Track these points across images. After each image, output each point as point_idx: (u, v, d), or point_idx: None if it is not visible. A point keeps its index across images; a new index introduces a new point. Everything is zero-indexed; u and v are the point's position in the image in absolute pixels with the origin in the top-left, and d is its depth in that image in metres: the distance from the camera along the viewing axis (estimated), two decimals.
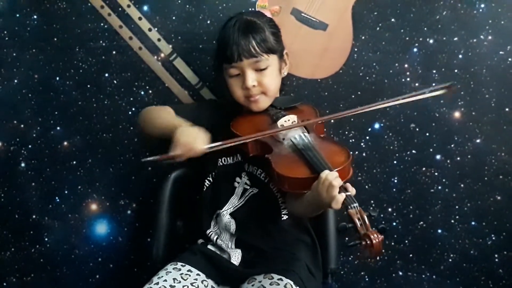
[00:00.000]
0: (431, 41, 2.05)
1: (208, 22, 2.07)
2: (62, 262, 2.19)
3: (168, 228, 1.92)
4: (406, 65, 2.06)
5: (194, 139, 1.61)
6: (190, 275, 1.65)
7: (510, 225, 2.12)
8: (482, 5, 2.02)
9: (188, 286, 1.61)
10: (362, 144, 2.10)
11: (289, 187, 1.56)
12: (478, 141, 2.08)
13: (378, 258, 2.14)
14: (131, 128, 2.11)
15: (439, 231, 2.13)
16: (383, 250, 1.83)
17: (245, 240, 1.73)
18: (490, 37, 2.04)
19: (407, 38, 2.05)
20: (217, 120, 1.86)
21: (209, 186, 1.82)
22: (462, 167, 2.10)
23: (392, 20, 2.05)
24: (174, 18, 2.07)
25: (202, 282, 1.65)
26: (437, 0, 2.03)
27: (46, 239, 2.18)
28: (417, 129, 2.09)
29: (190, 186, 1.90)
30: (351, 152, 1.59)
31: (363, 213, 1.35)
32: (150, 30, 2.08)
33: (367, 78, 2.07)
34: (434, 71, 2.06)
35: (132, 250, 2.18)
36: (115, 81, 2.11)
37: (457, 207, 2.12)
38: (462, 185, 2.11)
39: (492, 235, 2.13)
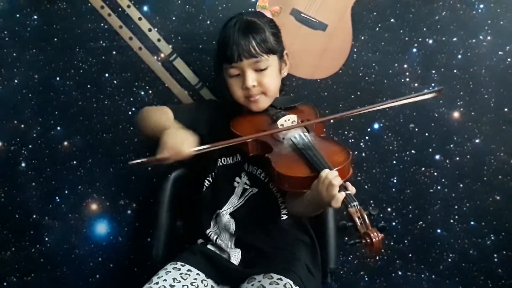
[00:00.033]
0: (430, 41, 2.06)
1: (208, 22, 2.07)
2: (62, 262, 2.19)
3: (168, 228, 1.92)
4: (405, 66, 2.07)
5: (181, 142, 1.60)
6: (190, 275, 1.65)
7: (509, 225, 2.12)
8: (481, 6, 2.03)
9: (188, 286, 1.61)
10: (361, 144, 2.10)
11: (289, 186, 1.56)
12: (477, 141, 2.09)
13: (377, 258, 2.14)
14: (131, 128, 2.12)
15: (439, 231, 2.14)
16: (383, 250, 1.85)
17: (244, 240, 1.73)
18: (489, 38, 2.04)
19: (407, 39, 2.06)
20: (216, 120, 1.86)
21: (209, 186, 1.82)
22: (461, 167, 2.10)
23: (392, 20, 2.06)
24: (174, 18, 2.08)
25: (201, 281, 1.65)
26: (436, 0, 2.04)
27: (46, 239, 2.18)
28: (417, 129, 2.10)
29: (190, 186, 1.90)
30: (350, 152, 1.59)
31: (363, 211, 1.35)
32: (150, 30, 2.08)
33: (367, 78, 2.08)
34: (434, 71, 2.06)
35: (132, 250, 2.18)
36: (115, 81, 2.11)
37: (456, 207, 2.12)
38: (461, 185, 2.11)
39: (491, 235, 2.13)
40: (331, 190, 1.40)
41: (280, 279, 1.57)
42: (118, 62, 2.10)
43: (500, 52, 2.05)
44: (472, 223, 2.13)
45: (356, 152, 2.10)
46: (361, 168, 2.11)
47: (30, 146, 2.15)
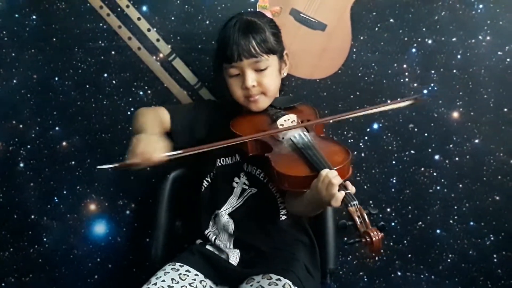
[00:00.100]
0: (429, 41, 2.06)
1: (207, 22, 2.07)
2: (61, 262, 2.19)
3: (167, 228, 1.92)
4: (404, 66, 2.07)
5: (153, 148, 1.59)
6: (188, 275, 1.64)
7: (509, 225, 2.12)
8: (481, 6, 2.03)
9: (186, 287, 1.60)
10: (361, 144, 2.10)
11: (289, 185, 1.56)
12: (476, 141, 2.09)
13: (376, 258, 2.14)
14: (130, 128, 2.10)
15: (438, 231, 2.14)
16: (382, 250, 1.85)
17: (243, 240, 1.73)
18: (488, 38, 2.04)
19: (406, 39, 2.06)
20: (216, 120, 1.86)
21: (208, 186, 1.82)
22: (460, 167, 2.10)
23: (391, 20, 2.06)
24: (173, 18, 2.08)
25: (200, 282, 1.64)
26: (435, 0, 2.04)
27: (45, 239, 2.18)
28: (416, 129, 2.09)
29: (188, 186, 1.90)
30: (350, 152, 1.59)
31: (363, 211, 1.35)
32: (149, 30, 2.08)
33: (366, 78, 2.08)
34: (433, 72, 2.07)
35: (130, 250, 2.17)
36: (114, 81, 2.11)
37: (455, 207, 2.12)
38: (460, 185, 2.11)
39: (491, 235, 2.13)
40: (330, 189, 1.40)
41: (279, 279, 1.57)
42: (117, 62, 2.10)
43: (499, 52, 2.05)
44: (471, 223, 2.13)
45: (355, 152, 2.09)
46: (361, 168, 2.11)
47: (28, 146, 2.14)
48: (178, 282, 1.60)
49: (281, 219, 1.74)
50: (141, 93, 2.11)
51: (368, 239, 1.29)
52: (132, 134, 2.07)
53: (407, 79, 2.07)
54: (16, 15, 2.09)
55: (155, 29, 2.08)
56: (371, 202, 2.11)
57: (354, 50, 2.07)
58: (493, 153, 2.09)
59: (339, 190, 1.40)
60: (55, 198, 2.16)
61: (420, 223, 2.13)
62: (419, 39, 2.05)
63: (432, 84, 2.07)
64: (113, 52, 2.09)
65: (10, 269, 2.19)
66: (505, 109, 2.07)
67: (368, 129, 2.10)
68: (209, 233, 1.77)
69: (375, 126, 2.10)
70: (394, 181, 2.12)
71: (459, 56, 2.05)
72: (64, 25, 2.09)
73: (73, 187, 2.16)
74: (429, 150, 2.10)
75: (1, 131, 2.13)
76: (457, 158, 2.10)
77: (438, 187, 2.11)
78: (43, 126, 2.13)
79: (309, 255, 1.76)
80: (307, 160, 1.54)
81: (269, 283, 1.55)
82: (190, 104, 2.05)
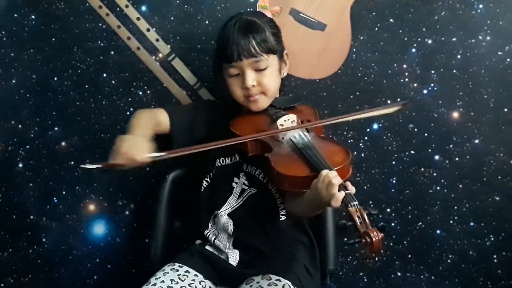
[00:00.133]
0: (429, 41, 2.05)
1: (207, 22, 2.06)
2: (60, 263, 2.18)
3: (166, 228, 1.91)
4: (404, 66, 2.06)
5: (137, 149, 1.59)
6: (187, 276, 1.64)
7: (509, 225, 2.12)
8: (481, 6, 2.03)
9: (185, 287, 1.60)
10: (360, 144, 2.10)
11: (289, 186, 1.56)
12: (476, 141, 2.09)
13: (376, 258, 2.14)
14: None
15: (438, 231, 2.13)
16: (382, 250, 1.84)
17: (243, 241, 1.73)
18: (488, 38, 2.04)
19: (406, 39, 2.06)
20: (215, 120, 1.86)
21: (207, 187, 1.82)
22: (460, 168, 2.10)
23: (391, 20, 2.05)
24: (172, 18, 2.07)
25: (199, 283, 1.64)
26: (435, 0, 2.04)
27: (44, 239, 2.17)
28: (416, 130, 2.09)
29: (188, 187, 1.90)
30: (350, 152, 1.59)
31: (363, 211, 1.35)
32: (148, 30, 2.08)
33: (366, 78, 2.07)
34: (433, 72, 2.06)
35: (130, 251, 2.17)
36: (113, 81, 2.11)
37: (455, 207, 2.12)
38: (460, 186, 2.11)
39: (491, 236, 2.13)
40: (330, 189, 1.39)
41: (279, 280, 1.57)
42: (116, 62, 2.09)
43: (499, 52, 2.05)
44: (471, 223, 2.13)
45: (355, 153, 2.09)
46: (360, 169, 2.10)
47: (27, 146, 2.14)
48: (177, 283, 1.60)
49: (280, 219, 1.74)
50: (140, 93, 2.10)
51: (368, 240, 1.29)
52: None
53: (407, 79, 2.07)
54: (15, 15, 2.09)
55: (154, 29, 2.07)
56: (371, 202, 2.11)
57: (354, 50, 2.06)
58: (493, 154, 2.09)
59: (339, 191, 1.40)
60: (54, 198, 2.16)
61: (420, 223, 2.13)
62: (419, 39, 2.05)
63: (432, 84, 2.07)
64: (112, 52, 2.09)
65: (9, 270, 2.19)
66: (505, 109, 2.07)
67: (368, 129, 2.10)
68: (208, 234, 1.77)
69: (375, 126, 2.10)
70: (394, 181, 2.12)
71: (459, 56, 2.05)
72: (63, 25, 2.08)
73: (72, 188, 2.15)
74: (429, 150, 2.10)
75: (0, 131, 2.13)
76: (457, 159, 2.10)
77: (438, 188, 2.11)
78: (42, 126, 2.13)
79: (309, 256, 1.76)
80: (307, 160, 1.53)
81: (268, 283, 1.55)
82: (189, 105, 2.04)
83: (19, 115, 2.13)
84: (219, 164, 1.81)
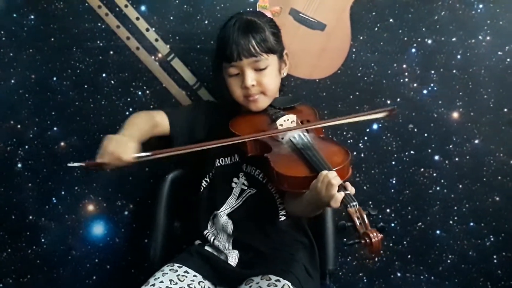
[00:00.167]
0: (429, 41, 2.05)
1: (206, 22, 2.06)
2: (59, 263, 2.18)
3: (165, 229, 1.91)
4: (404, 66, 2.06)
5: (123, 149, 1.59)
6: (187, 276, 1.64)
7: (509, 226, 2.12)
8: (481, 6, 2.03)
9: None
10: (360, 144, 2.10)
11: (288, 186, 1.55)
12: (476, 141, 2.09)
13: (376, 259, 2.14)
14: None
15: (438, 232, 2.13)
16: (382, 251, 1.84)
17: (242, 241, 1.73)
18: (488, 38, 2.04)
19: (406, 39, 2.05)
20: (215, 120, 1.86)
21: (206, 187, 1.82)
22: (460, 168, 2.10)
23: (391, 20, 2.05)
24: (171, 18, 2.07)
25: (199, 283, 1.64)
26: (435, 0, 2.03)
27: (42, 240, 2.17)
28: (416, 130, 2.09)
29: (187, 187, 1.90)
30: (349, 152, 1.58)
31: (363, 212, 1.34)
32: (147, 30, 2.07)
33: (365, 78, 2.07)
34: (433, 72, 2.06)
35: (129, 251, 2.17)
36: (112, 81, 2.10)
37: (455, 208, 2.12)
38: (460, 186, 2.11)
39: (491, 236, 2.13)
40: (330, 189, 1.39)
41: (278, 280, 1.56)
42: (116, 62, 2.09)
43: (499, 52, 2.04)
44: (471, 224, 2.12)
45: (355, 153, 2.09)
46: (360, 169, 2.10)
47: (26, 146, 2.14)
48: (176, 283, 1.60)
49: (280, 219, 1.74)
50: (139, 93, 2.10)
51: (367, 240, 1.29)
52: None
53: (406, 79, 2.06)
54: (14, 15, 2.08)
55: (153, 29, 2.07)
56: (370, 203, 2.11)
57: (354, 50, 2.06)
58: (493, 154, 2.09)
59: (338, 191, 1.39)
60: (53, 198, 2.16)
61: (420, 223, 2.13)
62: (419, 39, 2.05)
63: (432, 84, 2.07)
64: (111, 52, 2.09)
65: (8, 270, 2.19)
66: (505, 109, 2.07)
67: (367, 130, 2.10)
68: (208, 234, 1.77)
69: (375, 126, 2.09)
70: (394, 181, 2.12)
71: (459, 56, 2.05)
72: (62, 24, 2.08)
73: (71, 188, 2.15)
74: (429, 150, 2.10)
75: None
76: (457, 159, 2.10)
77: (438, 188, 2.11)
78: (41, 126, 2.13)
79: (308, 256, 1.75)
80: (306, 161, 1.53)
81: (268, 284, 1.55)
82: (189, 106, 2.04)
83: (18, 115, 2.12)
84: (218, 164, 1.80)
